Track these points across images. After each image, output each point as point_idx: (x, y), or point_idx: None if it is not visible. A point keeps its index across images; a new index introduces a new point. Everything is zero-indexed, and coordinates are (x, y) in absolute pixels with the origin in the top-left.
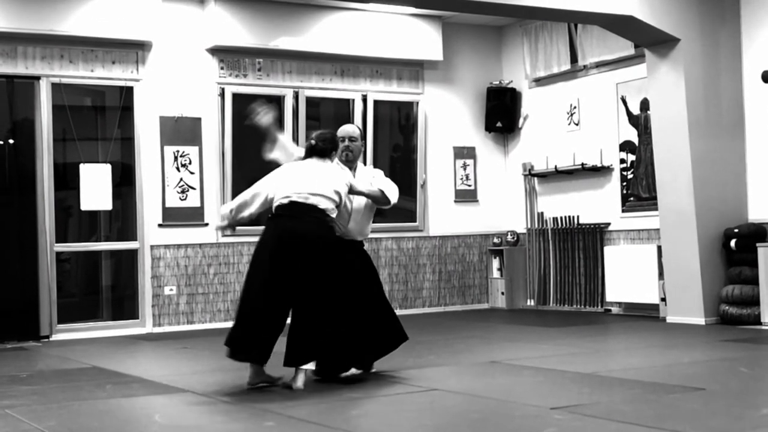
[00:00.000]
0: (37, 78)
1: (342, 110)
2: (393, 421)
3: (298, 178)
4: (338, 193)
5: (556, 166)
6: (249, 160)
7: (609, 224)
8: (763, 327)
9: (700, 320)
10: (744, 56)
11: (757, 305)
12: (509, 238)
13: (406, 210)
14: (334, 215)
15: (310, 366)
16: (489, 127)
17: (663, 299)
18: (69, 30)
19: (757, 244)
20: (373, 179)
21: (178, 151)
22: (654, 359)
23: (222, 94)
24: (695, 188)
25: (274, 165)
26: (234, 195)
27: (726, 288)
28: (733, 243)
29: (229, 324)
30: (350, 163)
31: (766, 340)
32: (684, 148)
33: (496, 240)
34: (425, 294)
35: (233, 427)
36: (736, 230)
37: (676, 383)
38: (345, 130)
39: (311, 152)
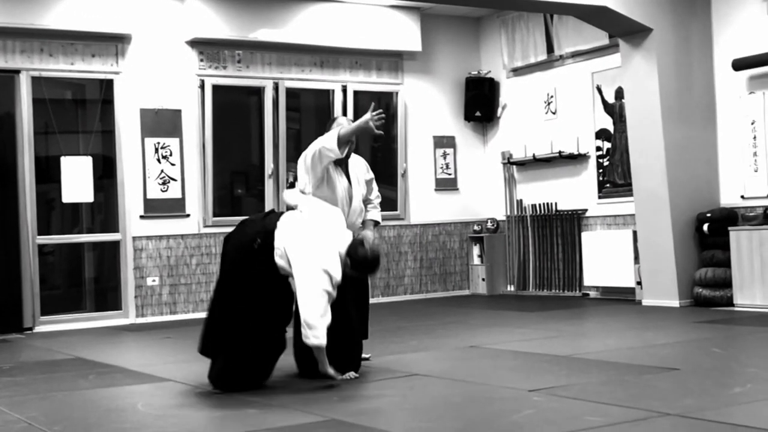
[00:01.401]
0: (17, 72)
1: (322, 101)
2: (374, 406)
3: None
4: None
5: (534, 154)
6: (229, 151)
7: (586, 210)
8: (736, 308)
9: (675, 303)
10: (715, 45)
11: (729, 287)
12: (489, 225)
13: (387, 199)
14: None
15: None
16: (468, 116)
17: (639, 283)
18: (49, 24)
19: (729, 228)
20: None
21: (158, 143)
22: (630, 341)
23: (202, 86)
24: (669, 174)
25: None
26: (215, 186)
27: (699, 271)
28: (705, 227)
29: None
30: (347, 158)
31: (739, 321)
32: (657, 136)
33: (476, 227)
34: (407, 281)
35: (216, 414)
36: (708, 215)
37: (651, 364)
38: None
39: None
